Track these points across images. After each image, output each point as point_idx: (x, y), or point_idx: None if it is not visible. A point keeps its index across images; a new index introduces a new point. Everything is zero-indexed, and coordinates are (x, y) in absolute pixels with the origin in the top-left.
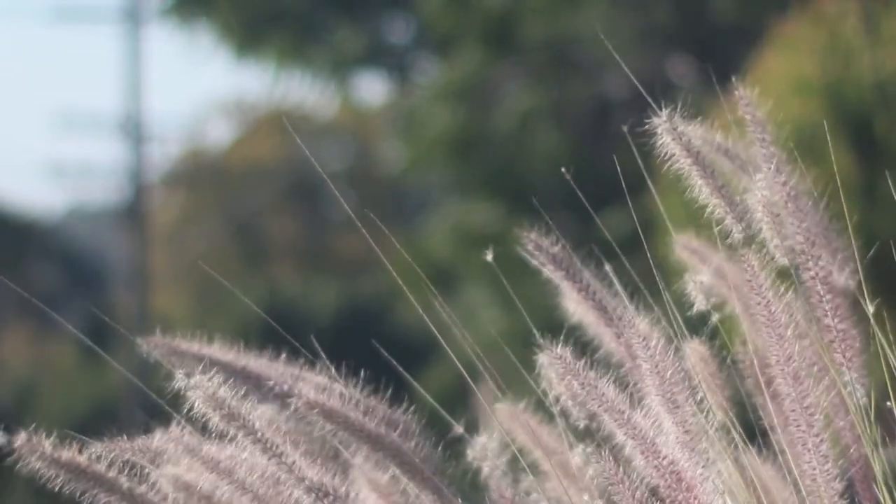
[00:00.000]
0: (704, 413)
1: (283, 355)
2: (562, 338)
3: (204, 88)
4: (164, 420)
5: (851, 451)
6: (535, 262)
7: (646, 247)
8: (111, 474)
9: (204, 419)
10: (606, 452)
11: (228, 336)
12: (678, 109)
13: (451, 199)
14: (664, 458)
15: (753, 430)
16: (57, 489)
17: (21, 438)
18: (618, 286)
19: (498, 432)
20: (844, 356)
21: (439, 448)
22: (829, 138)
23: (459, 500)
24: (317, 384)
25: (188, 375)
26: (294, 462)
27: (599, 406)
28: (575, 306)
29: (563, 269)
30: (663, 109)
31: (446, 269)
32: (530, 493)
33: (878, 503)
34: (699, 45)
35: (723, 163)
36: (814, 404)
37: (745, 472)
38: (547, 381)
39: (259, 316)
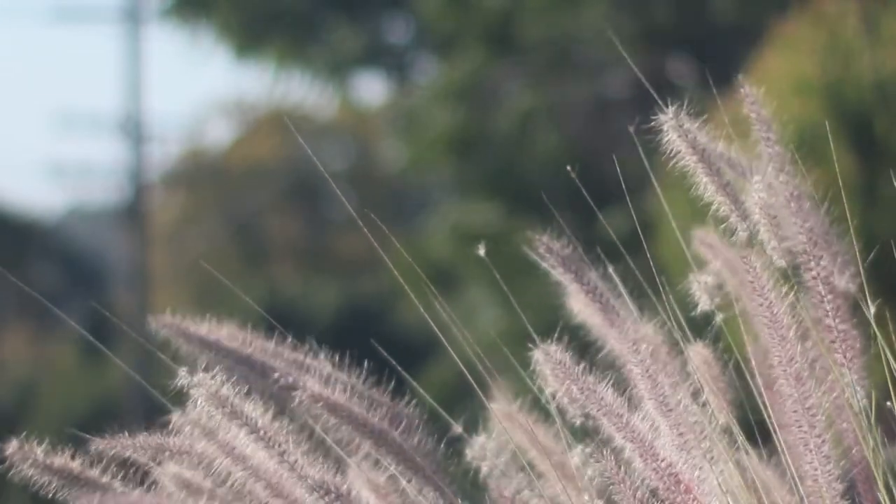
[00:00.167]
0: (707, 415)
1: (289, 341)
2: (562, 338)
3: (204, 88)
4: (165, 419)
5: (853, 452)
6: (545, 265)
7: (646, 247)
8: (104, 479)
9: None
10: (607, 452)
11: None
12: (683, 107)
13: (451, 199)
14: (662, 461)
15: (760, 431)
16: (50, 496)
17: (13, 446)
18: (621, 287)
19: (496, 432)
20: (845, 357)
21: (441, 446)
22: (830, 139)
23: (460, 501)
24: (321, 374)
25: (191, 373)
26: (297, 461)
27: (598, 410)
28: (581, 307)
29: (573, 272)
30: (666, 108)
31: (446, 269)
32: (528, 492)
33: None
34: (699, 45)
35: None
36: (816, 405)
37: (746, 473)
38: (542, 378)
39: (259, 316)
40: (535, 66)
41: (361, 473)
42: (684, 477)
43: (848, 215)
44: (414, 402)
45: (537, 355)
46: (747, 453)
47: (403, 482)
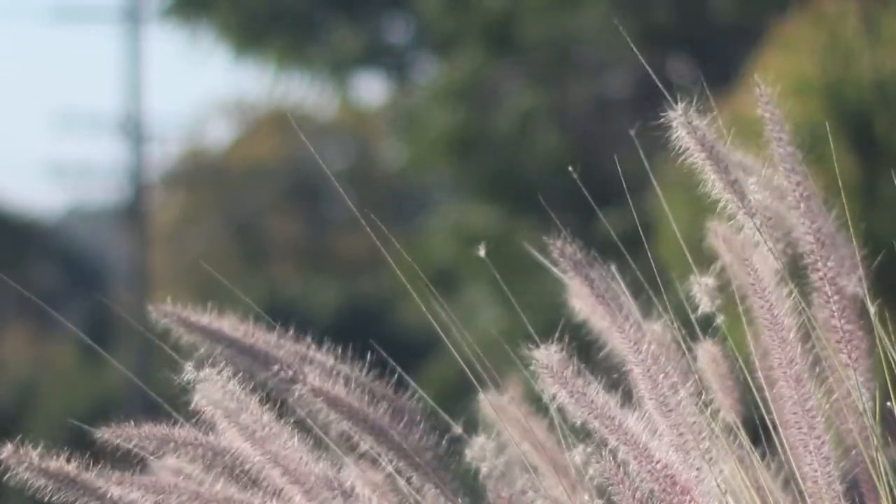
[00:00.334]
0: (711, 414)
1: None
2: (562, 337)
3: (204, 88)
4: (165, 419)
5: (853, 452)
6: (552, 266)
7: (647, 247)
8: (100, 483)
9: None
10: (607, 452)
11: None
12: (689, 105)
13: (451, 199)
14: (657, 463)
15: (763, 429)
16: (47, 499)
17: (8, 450)
18: (623, 287)
19: (496, 431)
20: (850, 357)
21: (442, 443)
22: (830, 139)
23: (460, 500)
24: (323, 367)
25: (198, 367)
26: (301, 457)
27: (589, 413)
28: (584, 307)
29: (584, 275)
30: (666, 108)
31: (446, 269)
32: (527, 492)
33: None
34: (699, 45)
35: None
36: (815, 407)
37: (748, 472)
38: (542, 380)
39: (259, 316)
40: (535, 66)
41: (360, 471)
42: (681, 478)
43: (848, 216)
44: (414, 399)
45: (538, 356)
46: (751, 452)
47: (403, 480)
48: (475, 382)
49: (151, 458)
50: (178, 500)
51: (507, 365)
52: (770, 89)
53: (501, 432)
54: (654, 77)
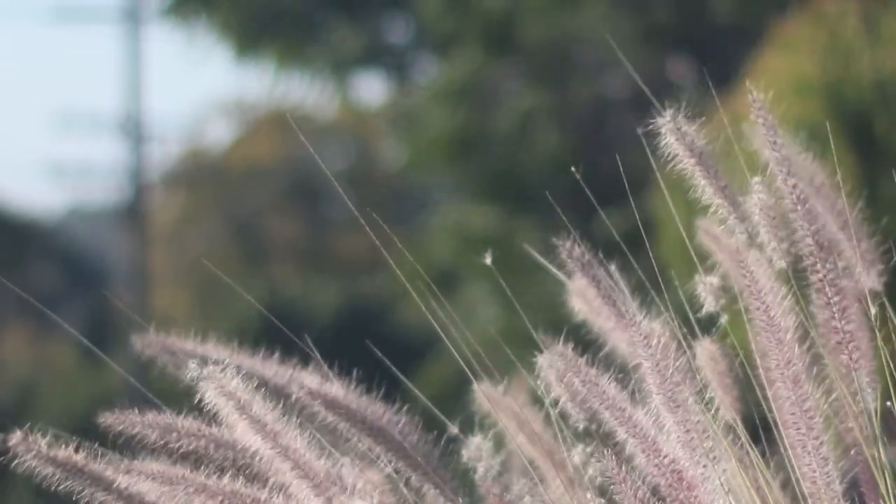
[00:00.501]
0: (711, 412)
1: (279, 354)
2: (563, 337)
3: (204, 88)
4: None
5: (852, 452)
6: (556, 265)
7: (648, 246)
8: (108, 472)
9: (215, 411)
10: (608, 451)
11: (228, 336)
12: (681, 109)
13: (452, 199)
14: (665, 457)
15: (764, 428)
16: (54, 488)
17: (16, 437)
18: (624, 286)
19: (492, 428)
20: (851, 358)
21: (440, 444)
22: (830, 139)
23: (460, 501)
24: (313, 382)
25: (201, 366)
26: (309, 452)
27: (601, 403)
28: (586, 308)
29: (590, 275)
30: (665, 110)
31: (446, 269)
32: (524, 496)
33: None
34: (699, 45)
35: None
36: (813, 408)
37: (748, 471)
38: (545, 384)
39: (259, 316)
40: (535, 66)
41: (359, 471)
42: (687, 474)
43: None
44: (409, 403)
45: (541, 360)
46: (751, 451)
47: (402, 480)
48: (475, 382)
49: (153, 447)
50: (185, 492)
51: (506, 365)
52: (764, 94)
53: (497, 425)
54: (653, 78)
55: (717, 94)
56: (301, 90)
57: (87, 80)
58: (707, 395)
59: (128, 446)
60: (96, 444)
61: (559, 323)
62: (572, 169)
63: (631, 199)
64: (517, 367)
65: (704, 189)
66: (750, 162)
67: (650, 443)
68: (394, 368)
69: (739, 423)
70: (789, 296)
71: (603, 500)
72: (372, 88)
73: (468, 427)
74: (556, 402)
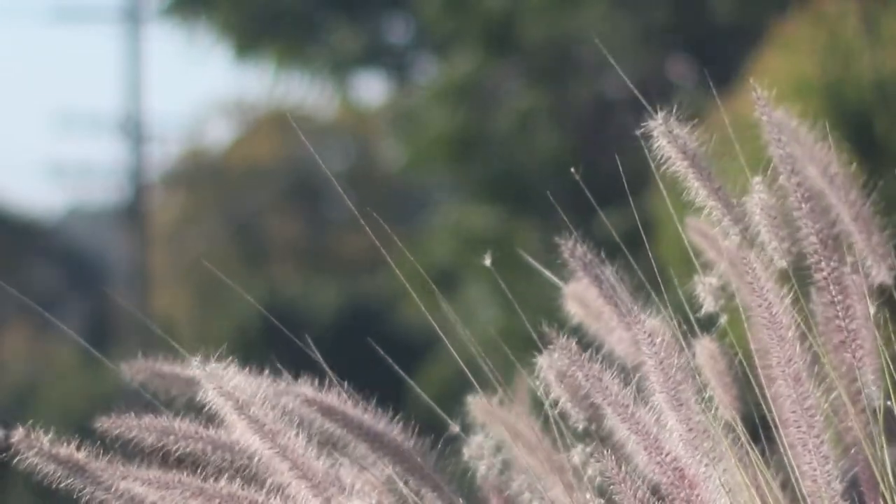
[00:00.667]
0: (711, 411)
1: (275, 362)
2: (563, 337)
3: (204, 88)
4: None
5: (853, 451)
6: (566, 268)
7: (647, 246)
8: (109, 471)
9: (215, 410)
10: (608, 451)
11: (228, 336)
12: (675, 111)
13: (452, 199)
14: (667, 455)
15: (763, 427)
16: (55, 486)
17: (18, 434)
18: (624, 286)
19: (494, 431)
20: (855, 356)
21: (438, 446)
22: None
23: (460, 500)
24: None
25: (203, 363)
26: (308, 453)
27: (604, 399)
28: (582, 310)
29: (592, 275)
30: (661, 111)
31: (447, 269)
32: (524, 492)
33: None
34: (699, 45)
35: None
36: (814, 406)
37: (748, 470)
38: (545, 385)
39: (259, 316)
40: (535, 66)
41: (357, 472)
42: (689, 472)
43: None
44: (410, 403)
45: (541, 361)
46: (750, 450)
47: (401, 483)
48: (475, 382)
49: (151, 450)
50: (181, 495)
51: (506, 365)
52: (767, 92)
53: (484, 427)
54: (653, 78)
55: (718, 95)
56: (301, 90)
57: (87, 80)
58: (707, 394)
59: (126, 448)
60: (96, 446)
61: (559, 324)
62: (572, 169)
63: (630, 199)
64: (517, 368)
65: (697, 191)
66: (751, 162)
67: (652, 440)
68: (396, 367)
69: (739, 421)
70: (790, 294)
71: (602, 501)
72: (372, 88)
73: (469, 427)
74: (555, 403)
